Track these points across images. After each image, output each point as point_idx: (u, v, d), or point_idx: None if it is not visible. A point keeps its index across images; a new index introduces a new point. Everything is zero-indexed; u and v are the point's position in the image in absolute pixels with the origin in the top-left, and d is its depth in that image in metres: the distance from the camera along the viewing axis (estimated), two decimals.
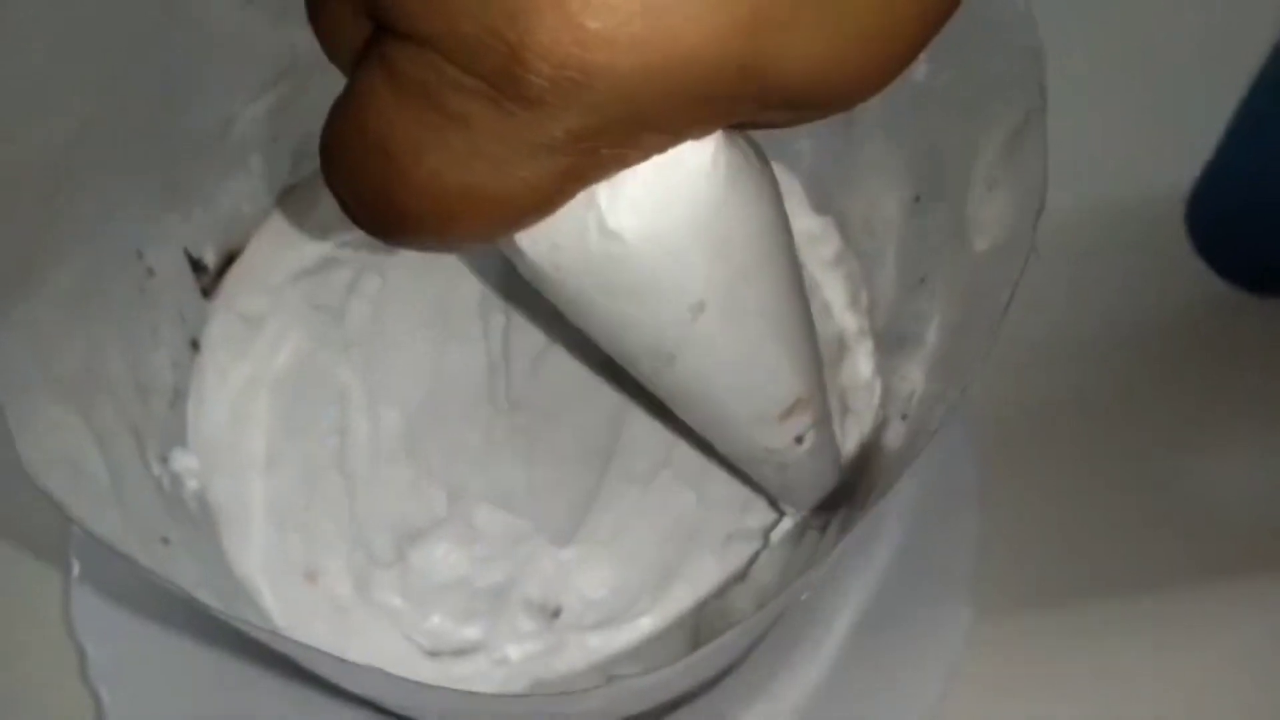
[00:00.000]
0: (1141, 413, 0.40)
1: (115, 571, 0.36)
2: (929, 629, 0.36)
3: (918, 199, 0.32)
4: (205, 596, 0.26)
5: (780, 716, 0.35)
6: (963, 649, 0.36)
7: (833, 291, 0.37)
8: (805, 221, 0.39)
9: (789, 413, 0.25)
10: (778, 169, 0.39)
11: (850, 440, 0.34)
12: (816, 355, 0.24)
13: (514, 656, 0.33)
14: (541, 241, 0.18)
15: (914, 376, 0.30)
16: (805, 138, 0.38)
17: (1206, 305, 0.41)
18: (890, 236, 0.35)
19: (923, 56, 0.30)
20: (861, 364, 0.36)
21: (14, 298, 0.23)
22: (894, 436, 0.31)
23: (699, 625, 0.33)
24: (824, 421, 0.27)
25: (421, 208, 0.16)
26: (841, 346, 0.36)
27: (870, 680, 0.36)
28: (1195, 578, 0.38)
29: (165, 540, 0.27)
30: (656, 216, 0.17)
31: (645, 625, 0.33)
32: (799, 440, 0.26)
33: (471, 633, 0.33)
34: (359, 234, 0.36)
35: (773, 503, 0.34)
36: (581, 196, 0.17)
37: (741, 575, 0.33)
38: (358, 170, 0.16)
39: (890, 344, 0.35)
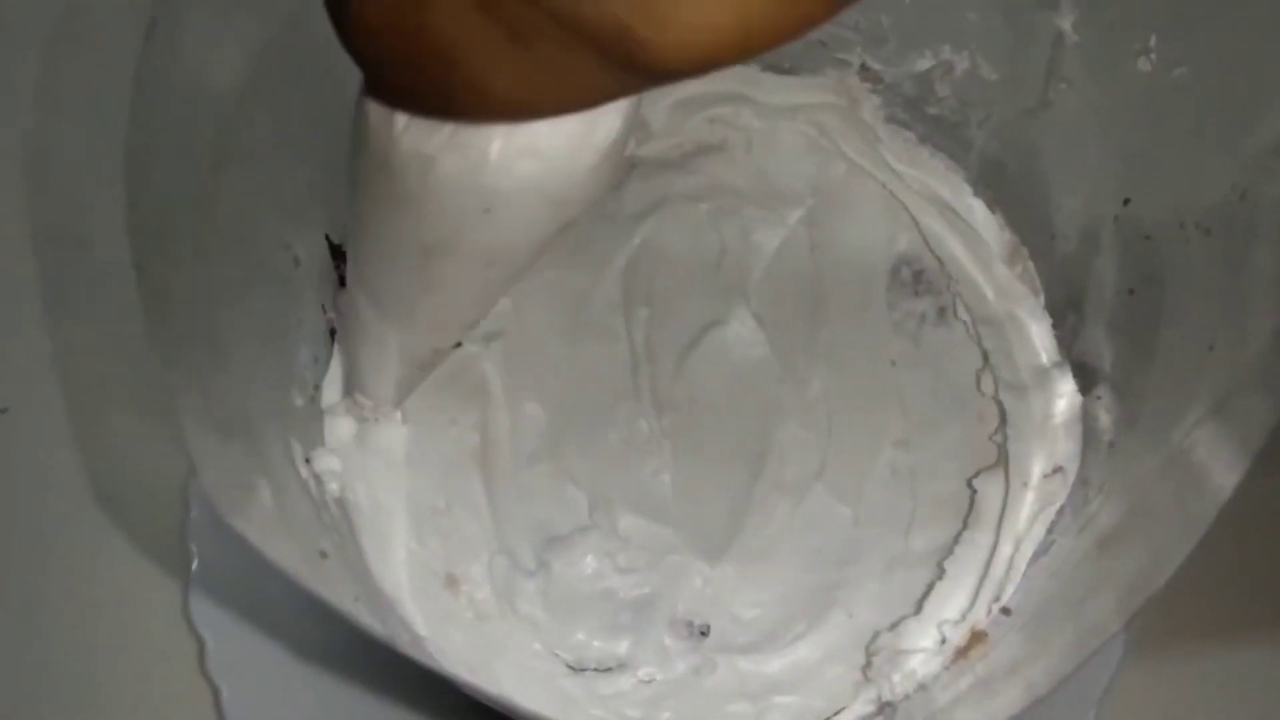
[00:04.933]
0: None
1: (234, 565, 0.36)
2: None
3: (1127, 202, 0.29)
4: (362, 612, 0.25)
5: None
6: None
7: (1008, 292, 0.35)
8: (974, 217, 0.36)
9: (433, 354, 0.29)
10: (941, 158, 0.37)
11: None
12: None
13: (660, 676, 0.31)
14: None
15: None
16: (978, 125, 0.35)
17: None
18: (1083, 239, 0.32)
19: (1152, 41, 0.27)
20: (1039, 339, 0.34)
21: (181, 296, 0.21)
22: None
23: (870, 659, 0.30)
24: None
25: (472, 108, 0.18)
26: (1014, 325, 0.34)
27: None
28: None
29: (323, 554, 0.25)
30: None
31: (803, 651, 0.31)
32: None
33: (617, 649, 0.32)
34: None
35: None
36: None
37: (915, 609, 0.31)
38: (409, 62, 0.17)
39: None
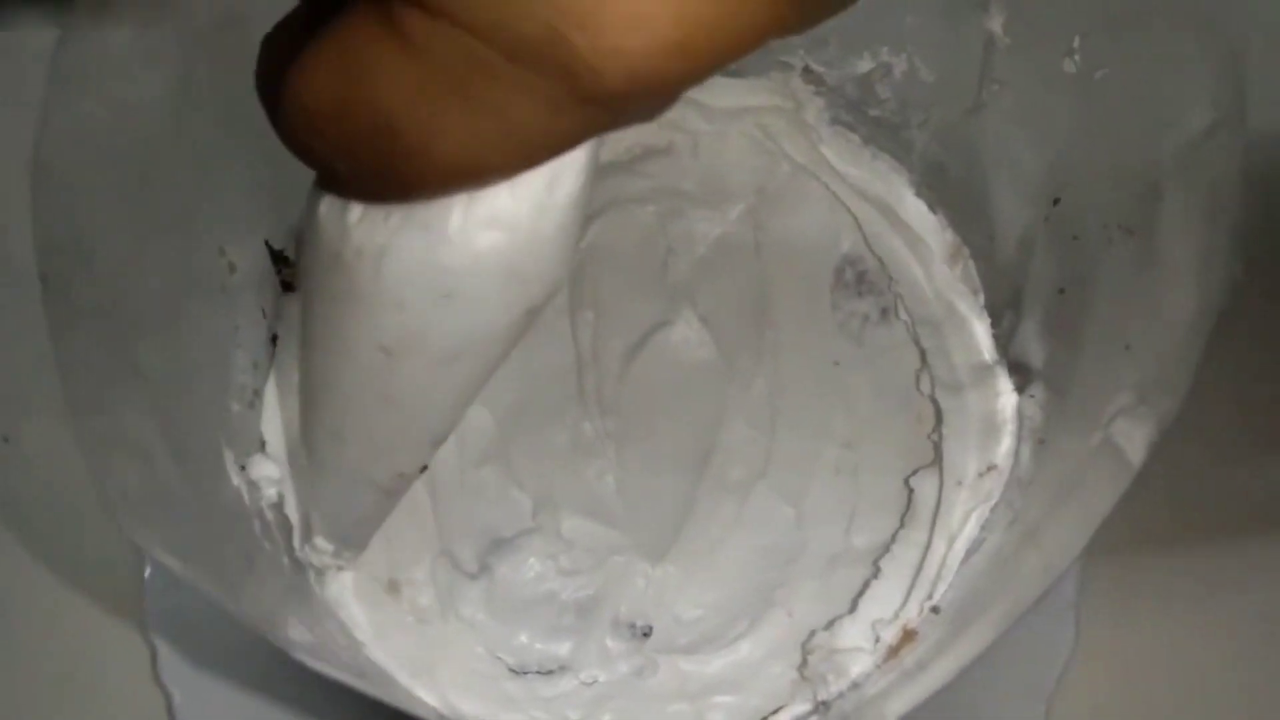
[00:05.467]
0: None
1: None
2: None
3: (1056, 202, 0.30)
4: (291, 624, 0.25)
5: None
6: None
7: (948, 292, 0.35)
8: (916, 218, 0.36)
9: (398, 479, 0.25)
10: (885, 159, 0.37)
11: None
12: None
13: (603, 678, 0.32)
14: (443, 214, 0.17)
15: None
16: (918, 126, 0.36)
17: None
18: (1020, 240, 0.32)
19: (1076, 43, 0.28)
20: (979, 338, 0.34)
21: (97, 308, 0.21)
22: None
23: (806, 658, 0.30)
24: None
25: (424, 179, 0.16)
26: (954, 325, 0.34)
27: None
28: None
29: (251, 563, 0.25)
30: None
31: (743, 651, 0.31)
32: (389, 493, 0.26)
33: (559, 651, 0.32)
34: None
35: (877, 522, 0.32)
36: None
37: (850, 608, 0.31)
38: (352, 141, 0.16)
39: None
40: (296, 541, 0.30)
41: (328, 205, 0.19)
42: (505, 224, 0.17)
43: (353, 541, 0.29)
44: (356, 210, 0.18)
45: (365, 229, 0.18)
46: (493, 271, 0.18)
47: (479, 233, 0.18)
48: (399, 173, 0.16)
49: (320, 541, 0.29)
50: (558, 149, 0.16)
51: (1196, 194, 0.23)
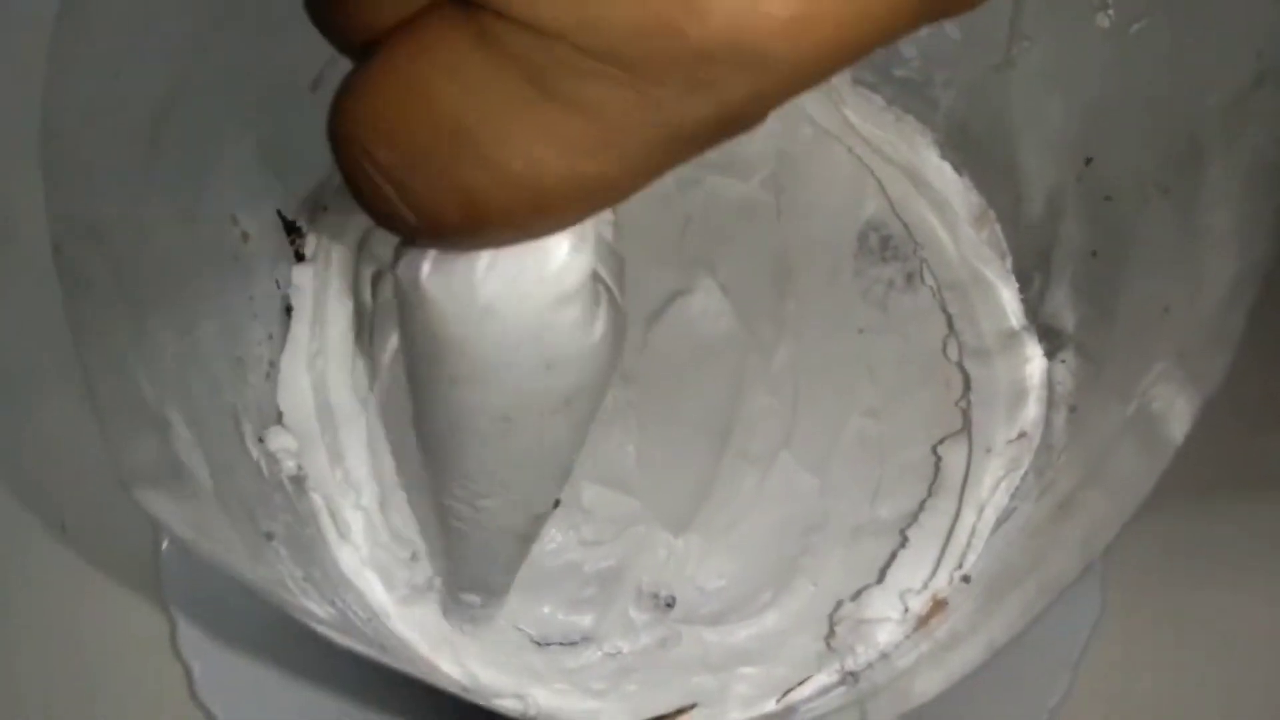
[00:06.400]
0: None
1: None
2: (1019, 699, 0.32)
3: (1089, 162, 0.29)
4: (311, 596, 0.25)
5: None
6: None
7: (975, 256, 0.34)
8: (941, 180, 0.35)
9: (535, 521, 0.26)
10: (910, 119, 0.37)
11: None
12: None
13: (626, 649, 0.31)
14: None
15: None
16: (943, 85, 0.35)
17: None
18: (1048, 201, 0.31)
19: None
20: (1006, 303, 0.33)
21: (110, 277, 0.21)
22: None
23: (834, 629, 0.30)
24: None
25: (506, 199, 0.14)
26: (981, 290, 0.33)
27: None
28: None
29: (269, 535, 0.25)
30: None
31: (768, 621, 0.31)
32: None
33: (581, 622, 0.32)
34: None
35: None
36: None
37: (878, 578, 0.30)
38: (421, 156, 0.14)
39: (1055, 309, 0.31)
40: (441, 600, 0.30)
41: (426, 279, 0.18)
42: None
43: (498, 590, 0.30)
44: (440, 276, 0.18)
45: (461, 282, 0.18)
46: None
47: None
48: (479, 193, 0.14)
49: (467, 596, 0.29)
50: (656, 154, 0.14)
51: (1240, 153, 0.22)
